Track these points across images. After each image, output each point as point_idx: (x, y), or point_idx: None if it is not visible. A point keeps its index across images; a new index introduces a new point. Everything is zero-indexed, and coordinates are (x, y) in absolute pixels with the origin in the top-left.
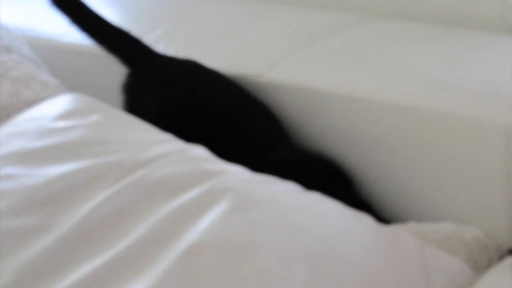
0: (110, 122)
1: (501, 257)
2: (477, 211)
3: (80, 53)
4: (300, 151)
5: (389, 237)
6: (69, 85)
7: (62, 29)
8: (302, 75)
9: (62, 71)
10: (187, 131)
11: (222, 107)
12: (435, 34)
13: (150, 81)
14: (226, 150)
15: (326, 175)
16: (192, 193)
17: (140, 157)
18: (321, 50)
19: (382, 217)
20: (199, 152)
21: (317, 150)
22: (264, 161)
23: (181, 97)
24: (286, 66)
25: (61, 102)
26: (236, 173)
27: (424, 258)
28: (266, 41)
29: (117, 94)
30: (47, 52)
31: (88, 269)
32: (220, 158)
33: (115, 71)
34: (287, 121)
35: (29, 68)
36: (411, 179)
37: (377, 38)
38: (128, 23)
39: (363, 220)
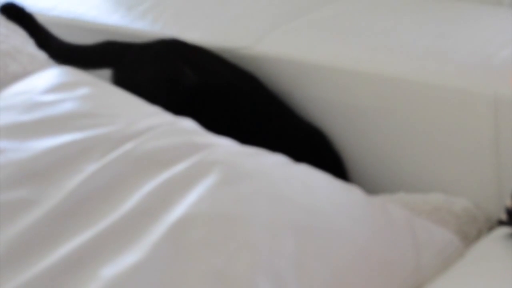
0: (98, 95)
1: (490, 228)
2: (466, 182)
3: (67, 27)
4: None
5: (378, 209)
6: None
7: (49, 2)
8: (290, 47)
9: None
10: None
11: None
12: (423, 6)
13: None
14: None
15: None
16: (181, 166)
17: (129, 130)
18: (308, 22)
19: None
20: (187, 125)
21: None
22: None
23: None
24: (274, 39)
25: (49, 76)
26: (225, 146)
27: (413, 229)
28: (253, 13)
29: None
30: None
31: (77, 243)
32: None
33: None
34: (275, 93)
35: (16, 42)
36: (400, 150)
37: (365, 10)
38: None
39: (352, 192)
